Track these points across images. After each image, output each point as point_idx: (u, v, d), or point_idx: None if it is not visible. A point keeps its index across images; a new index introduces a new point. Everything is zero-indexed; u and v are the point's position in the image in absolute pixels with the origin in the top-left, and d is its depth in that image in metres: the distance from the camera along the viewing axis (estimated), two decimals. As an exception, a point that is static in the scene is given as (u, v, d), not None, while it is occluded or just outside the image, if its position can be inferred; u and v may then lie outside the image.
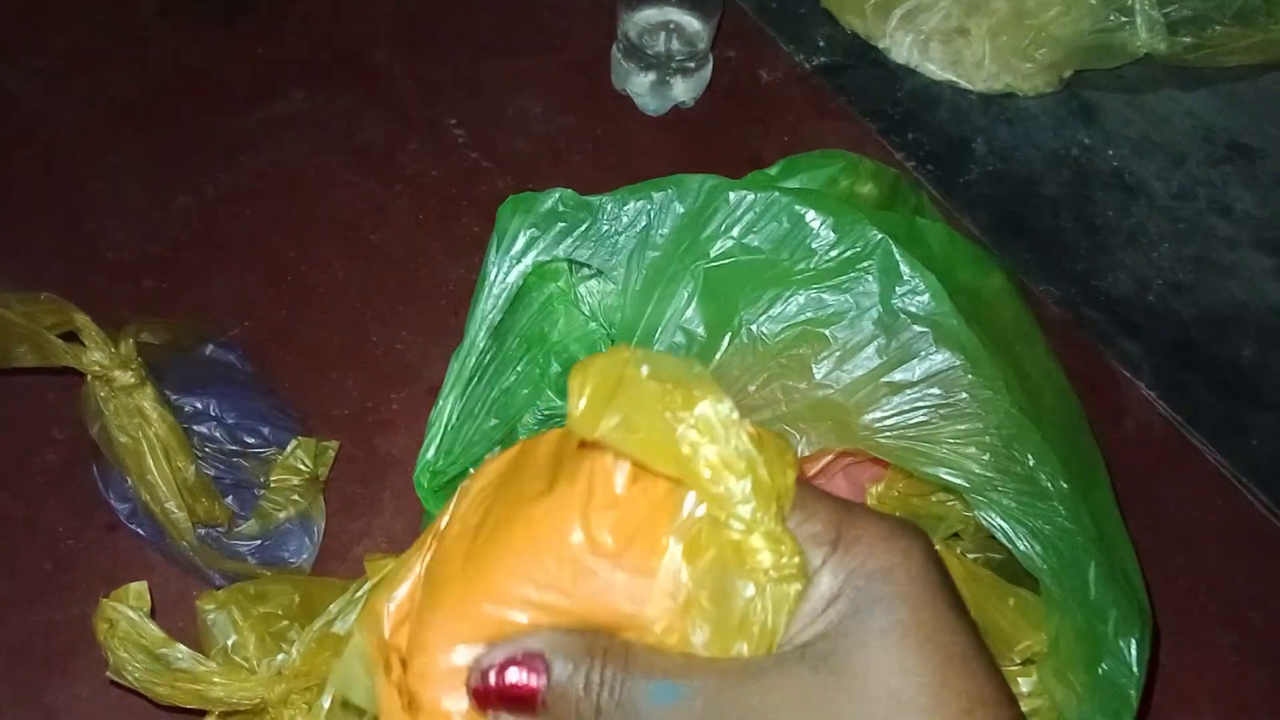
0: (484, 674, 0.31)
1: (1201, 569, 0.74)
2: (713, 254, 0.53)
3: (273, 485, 0.67)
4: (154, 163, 0.87)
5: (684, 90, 0.89)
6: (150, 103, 0.91)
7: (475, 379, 0.56)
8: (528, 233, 0.55)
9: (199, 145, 0.88)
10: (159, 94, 0.91)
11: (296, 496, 0.67)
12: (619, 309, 0.56)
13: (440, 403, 0.56)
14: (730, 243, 0.53)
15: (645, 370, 0.29)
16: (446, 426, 0.56)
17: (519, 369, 0.58)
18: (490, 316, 0.55)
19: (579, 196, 0.55)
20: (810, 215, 0.53)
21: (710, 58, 0.90)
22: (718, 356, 0.52)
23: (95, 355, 0.60)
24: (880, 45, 0.95)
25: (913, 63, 0.94)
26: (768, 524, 0.30)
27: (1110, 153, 0.92)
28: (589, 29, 0.96)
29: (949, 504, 0.56)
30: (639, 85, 0.89)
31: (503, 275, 0.55)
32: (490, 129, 0.90)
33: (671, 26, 0.87)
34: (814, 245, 0.53)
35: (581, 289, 0.60)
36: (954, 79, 0.94)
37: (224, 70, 0.93)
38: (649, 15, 0.87)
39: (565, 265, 0.59)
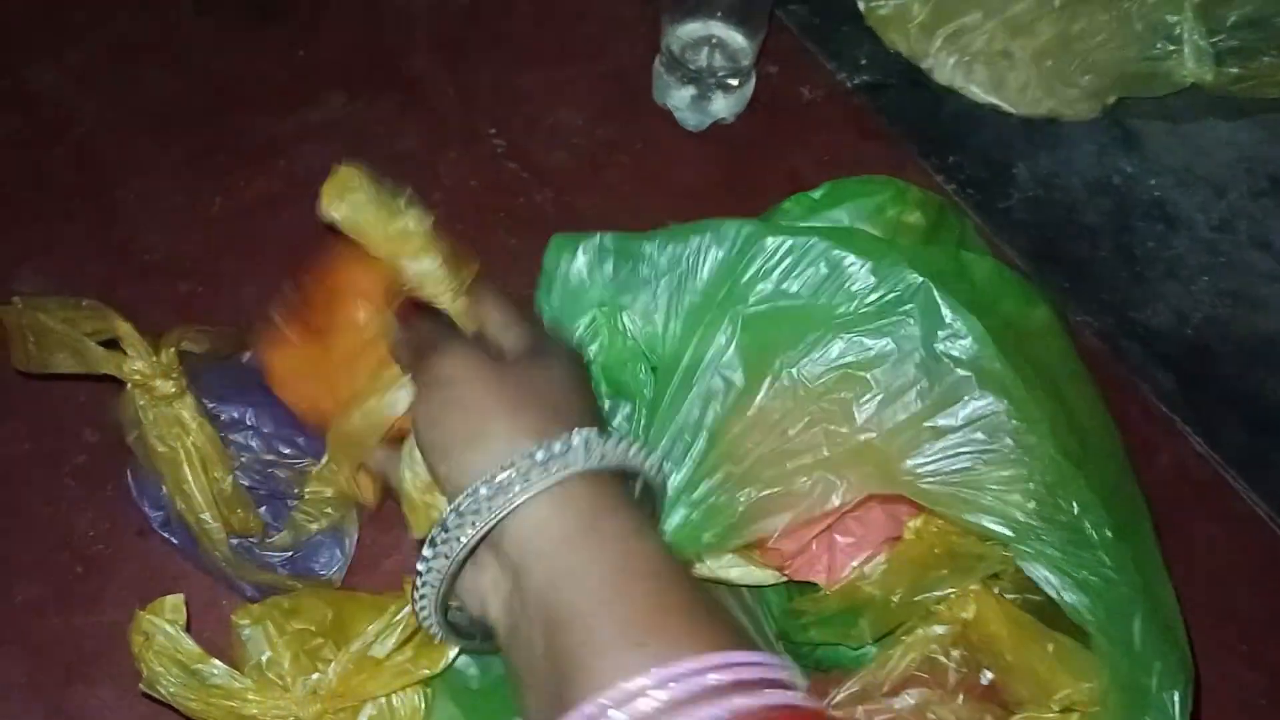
0: None
1: (1232, 609, 0.74)
2: (751, 299, 0.53)
3: (307, 497, 0.67)
4: (189, 163, 0.87)
5: (725, 106, 0.89)
6: (186, 102, 0.91)
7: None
8: (574, 276, 0.57)
9: (235, 147, 0.88)
10: (195, 94, 0.91)
11: (329, 509, 0.67)
12: (657, 343, 0.56)
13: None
14: (769, 288, 0.53)
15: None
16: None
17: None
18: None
19: (621, 239, 0.56)
20: (849, 260, 0.53)
21: (753, 74, 0.89)
22: (758, 400, 0.52)
23: (137, 364, 0.60)
24: (923, 66, 0.94)
25: (955, 84, 0.93)
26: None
27: (1152, 182, 0.91)
28: (629, 39, 0.95)
29: (988, 543, 0.56)
30: (679, 99, 0.89)
31: (549, 314, 0.57)
32: (529, 139, 0.89)
33: (715, 41, 0.86)
34: (853, 289, 0.53)
35: (624, 315, 0.60)
36: (997, 102, 0.93)
37: (262, 72, 0.92)
38: (693, 29, 0.86)
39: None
